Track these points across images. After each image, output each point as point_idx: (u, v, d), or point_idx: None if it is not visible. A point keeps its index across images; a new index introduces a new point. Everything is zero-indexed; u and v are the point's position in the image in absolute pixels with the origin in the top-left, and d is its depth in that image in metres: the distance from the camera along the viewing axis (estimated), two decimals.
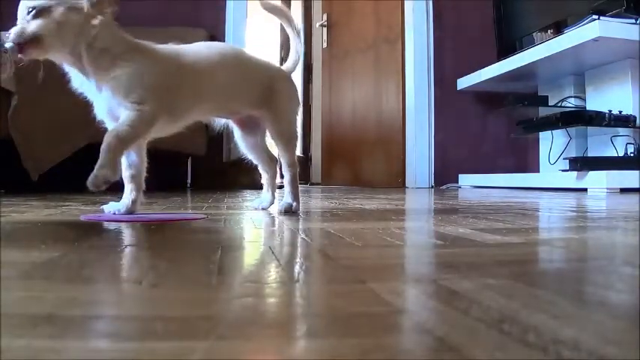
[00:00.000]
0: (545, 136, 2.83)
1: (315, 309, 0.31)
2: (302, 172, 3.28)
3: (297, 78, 4.40)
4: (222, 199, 1.47)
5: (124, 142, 0.79)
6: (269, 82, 0.99)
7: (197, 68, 0.90)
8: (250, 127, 1.04)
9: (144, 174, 0.90)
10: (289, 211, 0.98)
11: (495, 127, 3.15)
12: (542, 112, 2.67)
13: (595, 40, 2.02)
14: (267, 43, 4.27)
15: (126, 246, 0.55)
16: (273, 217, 0.91)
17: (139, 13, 2.62)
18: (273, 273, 0.40)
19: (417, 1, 3.12)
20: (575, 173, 2.18)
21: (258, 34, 3.89)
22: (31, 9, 0.77)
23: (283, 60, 1.11)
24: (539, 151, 2.94)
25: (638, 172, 2.04)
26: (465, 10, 3.14)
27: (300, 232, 0.67)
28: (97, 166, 0.76)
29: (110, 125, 0.84)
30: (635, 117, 2.21)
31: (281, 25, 1.11)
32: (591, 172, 2.10)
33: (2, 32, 0.78)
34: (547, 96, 2.73)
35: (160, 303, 0.31)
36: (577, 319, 0.27)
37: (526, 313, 0.28)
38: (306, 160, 4.36)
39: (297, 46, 1.07)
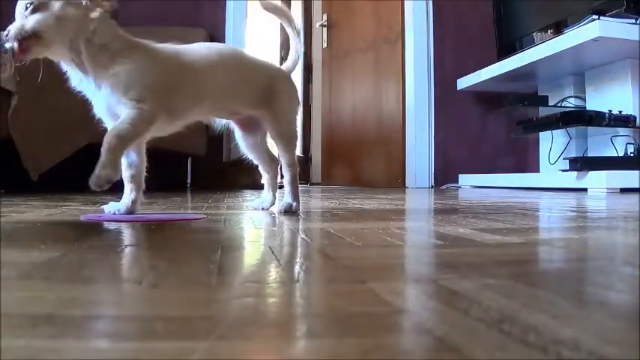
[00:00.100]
0: (545, 136, 2.83)
1: (315, 309, 0.31)
2: (302, 172, 3.29)
3: (297, 78, 4.40)
4: (222, 199, 1.47)
5: (124, 141, 0.79)
6: (269, 82, 0.99)
7: (197, 68, 0.90)
8: (251, 127, 1.04)
9: (144, 174, 0.90)
10: (289, 211, 0.98)
11: (495, 127, 3.15)
12: (542, 112, 2.67)
13: (595, 40, 2.02)
14: (267, 43, 4.27)
15: (126, 246, 0.55)
16: (273, 217, 0.91)
17: (139, 13, 2.63)
18: (273, 273, 0.40)
19: (417, 1, 3.12)
20: (575, 173, 2.18)
21: (258, 34, 3.89)
22: (29, 4, 0.77)
23: (283, 60, 1.11)
24: (539, 151, 2.94)
25: (638, 172, 2.04)
26: (465, 10, 3.14)
27: (300, 232, 0.67)
28: (98, 166, 0.76)
29: (109, 123, 0.84)
30: (635, 117, 2.21)
31: (281, 25, 1.11)
32: (591, 172, 2.10)
33: (1, 32, 0.78)
34: (547, 96, 2.73)
35: (160, 303, 0.31)
36: (577, 319, 0.27)
37: (526, 313, 0.28)
38: (306, 160, 4.36)
39: (296, 46, 1.07)
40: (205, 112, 0.97)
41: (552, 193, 2.07)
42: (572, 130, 2.54)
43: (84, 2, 0.80)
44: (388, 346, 0.24)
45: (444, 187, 3.04)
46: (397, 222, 0.81)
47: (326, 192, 2.30)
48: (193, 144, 2.33)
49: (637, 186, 2.00)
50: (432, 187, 3.07)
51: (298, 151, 4.25)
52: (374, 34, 3.39)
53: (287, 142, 1.01)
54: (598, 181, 2.05)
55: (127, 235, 0.65)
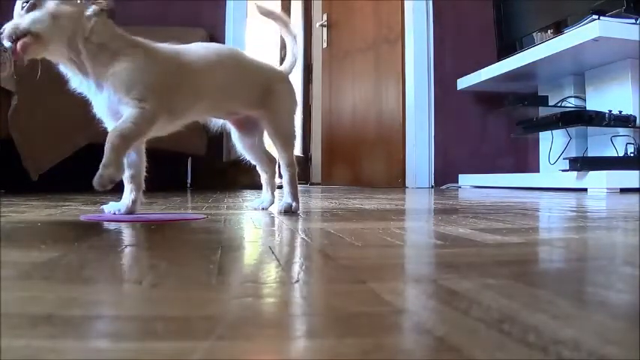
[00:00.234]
0: (545, 136, 2.83)
1: (315, 309, 0.31)
2: (302, 172, 3.28)
3: (297, 78, 4.40)
4: (222, 199, 1.47)
5: (127, 140, 0.78)
6: (267, 82, 0.99)
7: (196, 67, 0.90)
8: (248, 127, 1.04)
9: (143, 174, 0.90)
10: (289, 211, 0.98)
11: (495, 127, 3.15)
12: (542, 112, 2.67)
13: (595, 40, 2.02)
14: (267, 44, 4.27)
15: (126, 246, 0.55)
16: (273, 217, 0.91)
17: (139, 13, 2.63)
18: (273, 273, 0.40)
19: (417, 1, 3.12)
20: (575, 173, 2.18)
21: (258, 34, 3.89)
22: (24, 3, 0.77)
23: (283, 60, 1.11)
24: (539, 151, 2.94)
25: (638, 172, 2.04)
26: (465, 10, 3.14)
27: (300, 232, 0.67)
28: (101, 166, 0.76)
29: (109, 123, 0.84)
30: (635, 117, 2.21)
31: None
32: (591, 172, 2.10)
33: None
34: (547, 96, 2.73)
35: (160, 303, 0.31)
36: (577, 319, 0.27)
37: (526, 313, 0.28)
38: (306, 160, 4.36)
39: (293, 49, 1.07)
40: (205, 111, 0.97)
41: (552, 193, 2.07)
42: (572, 130, 2.54)
43: (79, 0, 0.80)
44: (388, 346, 0.24)
45: (444, 187, 3.04)
46: (397, 222, 0.81)
47: (326, 192, 2.30)
48: (193, 144, 2.33)
49: (637, 186, 2.00)
50: (432, 187, 3.07)
51: (298, 151, 4.26)
52: (374, 34, 3.39)
53: (285, 141, 1.01)
54: (598, 181, 2.05)
55: (127, 235, 0.65)
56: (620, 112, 2.21)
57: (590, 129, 2.44)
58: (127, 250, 0.53)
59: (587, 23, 2.07)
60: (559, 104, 2.61)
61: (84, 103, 0.86)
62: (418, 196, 1.93)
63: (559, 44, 2.22)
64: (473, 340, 0.24)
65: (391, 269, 0.44)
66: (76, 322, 0.27)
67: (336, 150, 3.77)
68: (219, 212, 1.00)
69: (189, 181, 2.79)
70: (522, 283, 0.36)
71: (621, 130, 2.26)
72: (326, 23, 3.84)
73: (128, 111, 0.79)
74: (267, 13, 1.08)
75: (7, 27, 0.76)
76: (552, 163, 2.72)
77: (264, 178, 1.09)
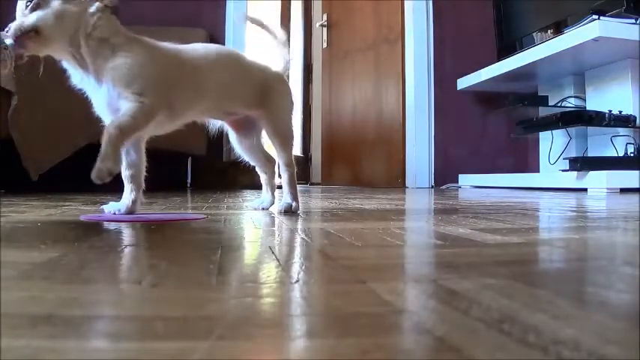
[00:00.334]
0: (545, 136, 2.83)
1: (314, 309, 0.31)
2: (302, 172, 3.27)
3: (297, 78, 4.40)
4: (222, 199, 1.47)
5: (125, 133, 0.78)
6: (264, 82, 1.00)
7: (197, 65, 0.90)
8: (245, 128, 1.05)
9: (143, 174, 0.90)
10: (289, 211, 0.98)
11: (495, 127, 3.15)
12: (542, 112, 2.67)
13: (595, 40, 2.02)
14: (267, 44, 4.27)
15: (126, 246, 0.55)
16: (273, 217, 0.91)
17: (139, 13, 2.63)
18: (273, 273, 0.40)
19: (417, 1, 3.12)
20: (575, 173, 2.18)
21: (258, 34, 3.89)
22: (28, 2, 0.77)
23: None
24: (539, 151, 2.94)
25: (638, 172, 2.04)
26: (465, 10, 3.14)
27: (300, 232, 0.67)
28: (99, 158, 0.76)
29: (108, 120, 0.84)
30: (635, 117, 2.21)
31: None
32: (591, 172, 2.10)
33: (1, 31, 0.78)
34: (547, 96, 2.73)
35: (160, 303, 0.31)
36: (577, 319, 0.27)
37: (526, 313, 0.28)
38: (306, 160, 4.36)
39: (283, 54, 1.08)
40: (204, 111, 0.97)
41: (552, 193, 2.07)
42: (572, 130, 2.54)
43: None
44: (388, 346, 0.24)
45: (444, 187, 3.04)
46: (397, 222, 0.81)
47: (326, 192, 2.30)
48: (193, 144, 2.33)
49: (637, 186, 2.00)
50: (432, 187, 3.07)
51: (298, 152, 4.26)
52: (374, 34, 3.39)
53: (284, 141, 1.02)
54: (598, 181, 2.05)
55: (127, 235, 0.65)
56: (620, 112, 2.21)
57: (590, 129, 2.44)
58: (127, 250, 0.53)
59: (587, 23, 2.07)
60: (559, 104, 2.61)
61: (84, 103, 0.86)
62: (418, 196, 1.93)
63: (559, 44, 2.22)
64: (473, 340, 0.24)
65: (391, 269, 0.44)
66: (76, 322, 0.27)
67: (336, 150, 3.77)
68: (219, 212, 1.00)
69: (189, 181, 2.79)
70: (522, 283, 0.36)
71: (621, 130, 2.26)
72: (326, 23, 3.84)
73: (127, 105, 0.79)
74: (254, 22, 1.10)
75: (12, 25, 0.76)
76: (552, 163, 2.72)
77: (263, 178, 1.09)
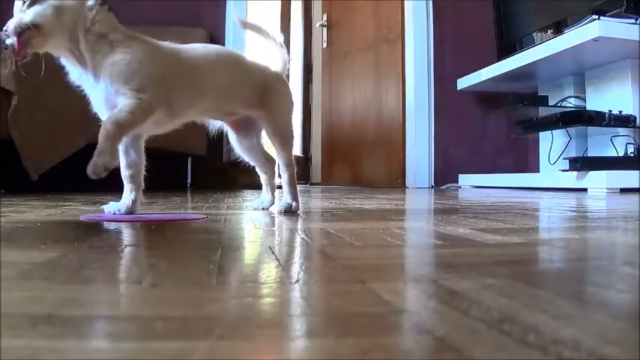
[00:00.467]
0: (545, 136, 2.83)
1: (314, 309, 0.31)
2: (302, 172, 3.27)
3: (297, 78, 4.40)
4: (222, 199, 1.47)
5: (122, 128, 0.78)
6: (264, 82, 1.00)
7: (196, 64, 0.90)
8: (245, 129, 1.05)
9: (143, 173, 0.90)
10: (289, 211, 0.98)
11: (495, 127, 3.15)
12: (542, 112, 2.67)
13: (595, 40, 2.02)
14: (266, 44, 4.27)
15: (126, 246, 0.55)
16: (273, 217, 0.91)
17: (139, 13, 2.63)
18: (273, 273, 0.40)
19: (417, 1, 3.12)
20: (575, 173, 2.18)
21: (256, 37, 3.89)
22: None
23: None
24: (539, 151, 2.94)
25: (638, 172, 2.04)
26: (465, 10, 3.14)
27: (300, 232, 0.67)
28: (95, 153, 0.75)
29: (106, 117, 0.84)
30: (635, 117, 2.21)
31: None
32: (591, 172, 2.10)
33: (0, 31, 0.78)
34: (547, 96, 2.73)
35: (160, 303, 0.31)
36: (577, 319, 0.27)
37: (526, 313, 0.28)
38: (306, 160, 4.36)
39: (282, 54, 1.08)
40: (204, 111, 0.97)
41: (552, 193, 2.07)
42: (572, 130, 2.54)
43: None
44: (388, 346, 0.24)
45: (444, 187, 3.04)
46: (397, 222, 0.81)
47: (326, 192, 2.30)
48: (194, 144, 2.33)
49: (637, 186, 2.00)
50: (432, 187, 3.07)
51: (298, 152, 4.26)
52: (374, 34, 3.39)
53: (284, 141, 1.02)
54: (598, 181, 2.05)
55: (127, 235, 0.65)
56: (620, 112, 2.21)
57: (590, 129, 2.44)
58: (127, 250, 0.53)
59: (587, 23, 2.07)
60: (559, 104, 2.61)
61: (84, 103, 0.86)
62: (418, 196, 1.93)
63: (559, 44, 2.22)
64: (473, 340, 0.24)
65: (391, 269, 0.44)
66: (76, 322, 0.27)
67: (336, 150, 3.77)
68: (219, 212, 1.00)
69: (189, 181, 2.79)
70: (522, 283, 0.36)
71: (621, 130, 2.26)
72: (326, 23, 3.84)
73: (124, 101, 0.79)
74: (249, 26, 1.10)
75: (11, 23, 0.76)
76: (552, 163, 2.72)
77: (263, 178, 1.10)
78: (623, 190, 2.00)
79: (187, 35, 2.32)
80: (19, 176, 1.64)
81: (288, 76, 1.13)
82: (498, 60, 2.74)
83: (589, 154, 2.46)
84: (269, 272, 0.41)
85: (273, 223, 0.81)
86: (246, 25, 1.09)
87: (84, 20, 0.80)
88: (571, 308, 0.29)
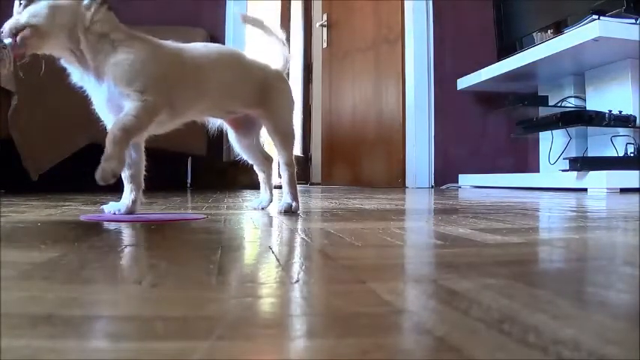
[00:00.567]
0: (545, 136, 2.83)
1: (314, 309, 0.31)
2: (302, 172, 3.27)
3: (297, 78, 4.40)
4: (222, 199, 1.47)
5: (129, 133, 0.78)
6: (265, 81, 1.00)
7: (199, 63, 0.90)
8: (245, 127, 1.05)
9: (143, 173, 0.90)
10: (289, 211, 0.98)
11: (495, 127, 3.15)
12: (542, 112, 2.67)
13: (595, 40, 2.02)
14: (266, 41, 4.27)
15: (126, 246, 0.55)
16: (273, 217, 0.91)
17: (139, 13, 2.63)
18: (273, 273, 0.40)
19: (417, 1, 3.12)
20: (575, 173, 2.18)
21: (257, 33, 3.89)
22: (21, 0, 0.77)
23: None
24: (539, 151, 2.94)
25: (638, 172, 2.04)
26: (465, 10, 3.14)
27: (300, 232, 0.67)
28: (103, 159, 0.75)
29: (108, 118, 0.83)
30: (635, 117, 2.21)
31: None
32: (591, 172, 2.10)
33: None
34: (547, 96, 2.73)
35: (160, 303, 0.31)
36: (577, 319, 0.27)
37: (526, 313, 0.28)
38: (306, 160, 4.36)
39: (283, 52, 1.08)
40: (205, 110, 0.97)
41: (552, 193, 2.07)
42: (572, 130, 2.54)
43: None
44: (388, 346, 0.24)
45: (444, 187, 3.04)
46: (397, 222, 0.81)
47: (326, 192, 2.30)
48: (194, 144, 2.33)
49: (637, 186, 2.00)
50: (432, 187, 3.07)
51: (298, 152, 4.26)
52: (374, 34, 3.39)
53: (285, 140, 1.01)
54: (598, 181, 2.05)
55: (127, 235, 0.65)
56: (620, 112, 2.21)
57: (590, 129, 2.44)
58: (127, 250, 0.53)
59: (587, 23, 2.07)
60: (559, 104, 2.61)
61: (84, 103, 0.85)
62: (418, 196, 1.93)
63: (559, 44, 2.22)
64: (473, 340, 0.24)
65: (391, 269, 0.44)
66: (76, 322, 0.27)
67: (336, 150, 3.77)
68: (219, 212, 1.00)
69: (189, 181, 2.79)
70: (522, 283, 0.36)
71: (621, 130, 2.26)
72: (326, 23, 3.84)
73: (129, 104, 0.79)
74: (251, 21, 1.09)
75: (7, 24, 0.76)
76: (552, 163, 2.72)
77: (261, 177, 1.10)
78: (623, 190, 2.00)
79: (187, 35, 2.32)
80: (19, 176, 1.64)
81: (288, 74, 1.13)
82: (498, 60, 2.74)
83: (589, 154, 2.46)
84: (269, 272, 0.41)
85: (273, 223, 0.81)
86: (247, 20, 1.09)
87: (83, 20, 0.80)
88: (571, 308, 0.29)
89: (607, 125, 2.22)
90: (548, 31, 2.51)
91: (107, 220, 0.80)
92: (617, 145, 2.29)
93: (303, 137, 4.42)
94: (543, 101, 2.71)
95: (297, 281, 0.37)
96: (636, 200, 1.47)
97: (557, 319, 0.27)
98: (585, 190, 2.12)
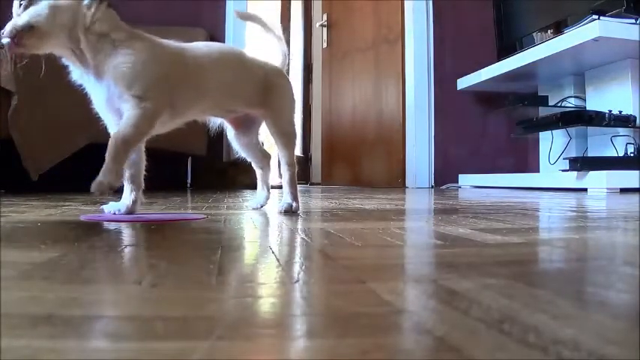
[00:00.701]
0: (545, 136, 2.83)
1: (314, 309, 0.31)
2: (302, 172, 3.27)
3: (297, 78, 4.40)
4: (222, 199, 1.47)
5: (129, 145, 0.78)
6: (266, 79, 1.00)
7: (200, 63, 0.90)
8: (245, 126, 1.05)
9: (143, 173, 0.90)
10: (289, 211, 0.98)
11: (495, 127, 3.15)
12: (542, 112, 2.67)
13: (595, 40, 2.02)
14: (265, 38, 4.27)
15: (126, 246, 0.55)
16: (273, 217, 0.91)
17: (139, 13, 2.62)
18: (273, 273, 0.40)
19: (417, 1, 3.12)
20: (575, 173, 2.18)
21: (258, 33, 3.89)
22: (22, 2, 0.77)
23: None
24: (539, 151, 2.94)
25: (638, 172, 2.04)
26: (465, 10, 3.14)
27: (300, 232, 0.67)
28: (102, 172, 0.75)
29: (107, 118, 0.83)
30: (635, 117, 2.21)
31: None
32: (591, 172, 2.10)
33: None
34: (547, 96, 2.73)
35: (160, 303, 0.31)
36: (577, 319, 0.27)
37: (526, 313, 0.28)
38: (306, 160, 4.36)
39: (281, 48, 1.08)
40: (206, 109, 0.97)
41: (552, 193, 2.07)
42: (572, 130, 2.54)
43: None
44: (388, 346, 0.24)
45: (444, 187, 3.04)
46: (397, 222, 0.81)
47: (326, 192, 2.30)
48: (194, 144, 2.33)
49: (637, 186, 2.00)
50: (432, 187, 3.07)
51: (298, 151, 4.26)
52: (374, 34, 3.38)
53: (287, 139, 1.02)
54: (598, 181, 2.05)
55: (127, 235, 0.65)
56: (620, 112, 2.21)
57: (590, 129, 2.44)
58: (127, 250, 0.53)
59: (587, 23, 2.07)
60: (559, 104, 2.61)
61: (84, 103, 0.85)
62: (418, 196, 1.93)
63: (559, 44, 2.22)
64: (473, 340, 0.24)
65: (391, 269, 0.44)
66: (76, 322, 0.27)
67: (336, 150, 3.77)
68: (219, 212, 1.00)
69: (189, 181, 2.79)
70: (522, 283, 0.36)
71: (621, 130, 2.26)
72: (326, 23, 3.84)
73: (128, 112, 0.78)
74: (248, 17, 1.09)
75: (8, 25, 0.76)
76: (552, 163, 2.72)
77: (259, 174, 1.10)
78: (623, 190, 2.00)
79: (187, 35, 2.32)
80: (19, 176, 1.64)
81: (287, 72, 1.13)
82: (498, 60, 2.74)
83: (589, 154, 2.46)
84: (269, 272, 0.41)
85: (273, 223, 0.81)
86: (244, 17, 1.09)
87: (83, 19, 0.79)
88: (571, 308, 0.29)
89: (607, 125, 2.22)
90: (548, 31, 2.51)
91: (107, 220, 0.80)
92: (617, 145, 2.29)
93: (303, 137, 4.42)
94: (543, 101, 2.71)
95: (297, 281, 0.37)
96: (636, 200, 1.47)
97: (557, 319, 0.27)
98: (585, 190, 2.12)
